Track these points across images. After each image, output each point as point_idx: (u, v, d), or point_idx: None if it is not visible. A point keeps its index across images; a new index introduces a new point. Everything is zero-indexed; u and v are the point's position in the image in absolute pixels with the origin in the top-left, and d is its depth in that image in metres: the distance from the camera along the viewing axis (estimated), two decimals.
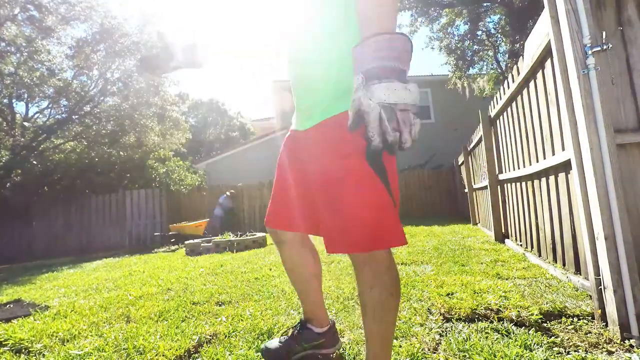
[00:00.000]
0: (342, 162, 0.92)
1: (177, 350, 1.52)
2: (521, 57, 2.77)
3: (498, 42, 12.42)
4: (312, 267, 1.35)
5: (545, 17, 1.75)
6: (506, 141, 3.56)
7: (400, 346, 1.40)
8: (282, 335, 1.47)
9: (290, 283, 1.43)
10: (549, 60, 2.20)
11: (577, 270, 2.12)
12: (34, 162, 9.66)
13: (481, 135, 4.38)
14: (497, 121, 3.85)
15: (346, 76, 0.87)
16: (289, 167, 1.20)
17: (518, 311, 1.65)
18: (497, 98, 3.68)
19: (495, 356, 1.26)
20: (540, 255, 2.80)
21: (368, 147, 0.69)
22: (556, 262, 2.46)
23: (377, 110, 0.66)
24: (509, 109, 3.34)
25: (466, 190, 6.67)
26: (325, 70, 0.96)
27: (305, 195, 1.11)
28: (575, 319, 1.56)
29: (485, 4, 11.74)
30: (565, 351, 1.30)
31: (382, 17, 0.76)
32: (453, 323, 1.62)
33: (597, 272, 1.49)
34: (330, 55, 0.95)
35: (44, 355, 1.60)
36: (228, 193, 9.85)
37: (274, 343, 1.41)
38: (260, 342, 1.54)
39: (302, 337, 1.36)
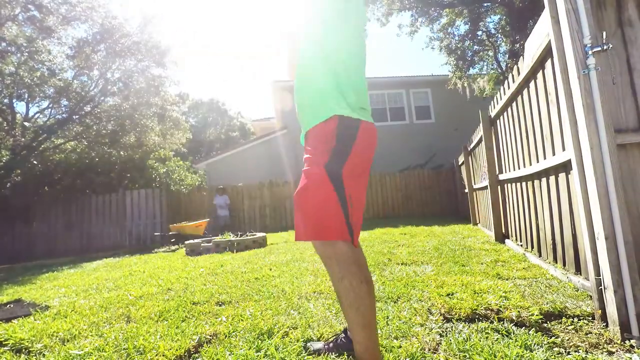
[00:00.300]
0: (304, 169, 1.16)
1: (177, 350, 1.52)
2: (521, 57, 2.77)
3: (498, 42, 12.42)
4: None
5: (545, 17, 1.75)
6: (506, 141, 3.56)
7: (400, 346, 1.40)
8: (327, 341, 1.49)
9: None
10: (549, 61, 2.20)
11: (578, 271, 2.12)
12: (35, 162, 9.67)
13: (481, 135, 4.38)
14: (498, 121, 3.85)
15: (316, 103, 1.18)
16: None
17: (518, 311, 1.65)
18: (497, 98, 3.67)
19: (495, 356, 1.25)
20: (540, 256, 2.80)
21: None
22: (556, 262, 2.46)
23: None
24: (509, 109, 3.34)
25: (466, 190, 6.67)
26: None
27: None
28: (576, 319, 1.56)
29: (485, 4, 11.73)
30: (565, 351, 1.30)
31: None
32: (453, 323, 1.62)
33: (598, 272, 1.49)
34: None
35: (44, 355, 1.60)
36: (219, 191, 9.92)
37: (318, 345, 1.45)
38: (260, 342, 1.54)
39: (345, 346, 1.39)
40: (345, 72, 1.17)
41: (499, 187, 4.02)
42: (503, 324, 1.55)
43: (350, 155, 1.12)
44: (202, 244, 5.64)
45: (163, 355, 1.48)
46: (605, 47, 1.44)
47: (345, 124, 1.12)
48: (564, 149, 2.11)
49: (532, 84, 2.60)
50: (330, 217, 1.09)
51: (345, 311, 1.10)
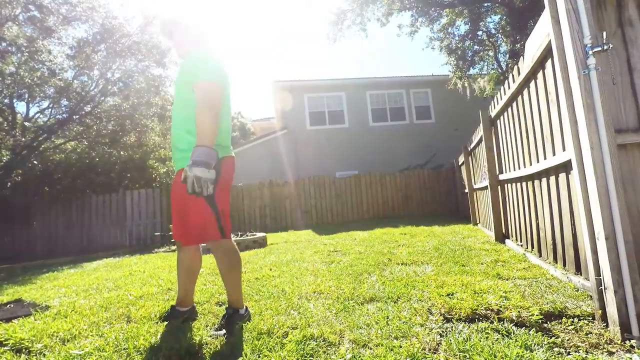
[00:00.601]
0: (183, 192, 1.68)
1: (177, 350, 1.52)
2: (521, 57, 2.77)
3: (498, 42, 12.41)
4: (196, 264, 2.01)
5: (545, 17, 1.75)
6: (507, 141, 3.56)
7: (401, 346, 1.40)
8: None
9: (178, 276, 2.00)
10: (549, 61, 2.20)
11: (578, 271, 2.12)
12: (35, 162, 9.66)
13: (482, 136, 4.38)
14: (498, 121, 3.85)
15: (180, 141, 1.78)
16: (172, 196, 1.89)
17: (518, 311, 1.65)
18: (497, 98, 3.67)
19: (495, 356, 1.25)
20: (540, 256, 2.80)
21: (187, 190, 1.55)
22: (556, 262, 2.46)
23: (191, 179, 1.51)
24: (509, 109, 3.34)
25: (466, 190, 6.67)
26: (176, 133, 1.82)
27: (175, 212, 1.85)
28: (576, 320, 1.56)
29: (485, 4, 11.73)
30: (565, 352, 1.30)
31: (205, 137, 1.60)
32: (453, 323, 1.62)
33: (598, 272, 1.49)
34: (180, 125, 1.80)
35: (44, 355, 1.61)
36: None
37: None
38: (260, 342, 1.54)
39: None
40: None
41: (499, 187, 4.02)
42: (503, 324, 1.55)
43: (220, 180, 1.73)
44: (202, 244, 5.64)
45: (163, 356, 1.48)
46: (605, 47, 1.44)
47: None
48: (564, 149, 2.11)
49: (532, 84, 2.60)
50: (209, 223, 1.72)
51: (224, 279, 1.82)
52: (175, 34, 1.90)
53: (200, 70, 1.69)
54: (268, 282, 2.76)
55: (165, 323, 1.89)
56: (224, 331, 1.70)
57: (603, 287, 1.46)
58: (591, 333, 1.44)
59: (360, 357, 1.36)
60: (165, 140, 11.73)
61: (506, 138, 3.56)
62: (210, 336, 1.67)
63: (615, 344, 1.33)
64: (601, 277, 1.47)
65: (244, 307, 1.86)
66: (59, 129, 10.50)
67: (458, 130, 12.44)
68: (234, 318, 1.76)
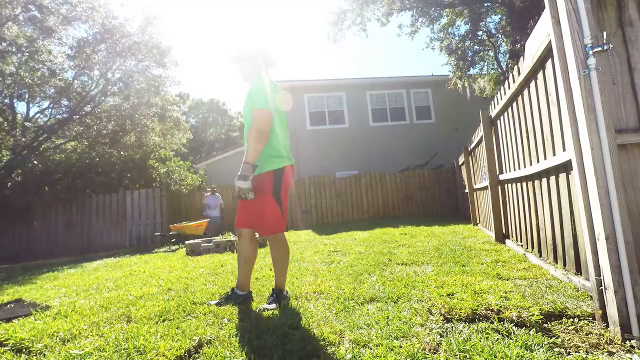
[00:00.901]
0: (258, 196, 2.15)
1: (177, 350, 1.52)
2: (522, 57, 2.77)
3: (499, 42, 12.42)
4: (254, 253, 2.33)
5: (546, 17, 1.75)
6: (507, 141, 3.56)
7: (401, 346, 1.40)
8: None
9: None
10: (549, 61, 2.20)
11: (578, 271, 2.12)
12: (35, 162, 9.66)
13: (482, 136, 4.38)
14: (498, 121, 3.85)
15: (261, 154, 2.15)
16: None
17: (519, 312, 1.65)
18: (497, 98, 3.67)
19: (495, 357, 1.25)
20: (540, 256, 2.80)
21: (238, 194, 2.09)
22: (557, 262, 2.46)
23: (237, 187, 2.06)
24: (509, 109, 3.34)
25: (466, 190, 6.67)
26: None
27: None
28: (576, 320, 1.56)
29: (486, 4, 11.74)
30: (566, 352, 1.30)
31: (249, 155, 2.06)
32: (454, 323, 1.62)
33: (598, 272, 1.49)
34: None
35: (44, 355, 1.61)
36: (209, 192, 9.60)
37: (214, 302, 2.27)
38: (260, 342, 1.54)
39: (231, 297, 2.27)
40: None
41: (499, 187, 4.02)
42: (503, 324, 1.55)
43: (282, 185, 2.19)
44: (203, 244, 5.64)
45: (163, 356, 1.48)
46: (605, 47, 1.44)
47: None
48: (564, 149, 2.11)
49: (532, 84, 2.59)
50: (278, 221, 2.17)
51: (276, 265, 2.24)
52: (243, 63, 2.26)
53: (256, 98, 2.08)
54: (268, 282, 2.76)
55: (166, 323, 1.89)
56: (275, 304, 2.06)
57: (603, 288, 1.46)
58: (591, 333, 1.44)
59: (360, 357, 1.36)
60: (165, 140, 11.72)
61: (506, 138, 3.56)
62: (263, 309, 2.00)
63: (615, 344, 1.33)
64: (601, 278, 1.47)
65: (286, 290, 2.26)
66: (59, 129, 10.51)
67: (458, 130, 12.43)
68: (281, 296, 2.16)
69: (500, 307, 1.73)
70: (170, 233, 8.15)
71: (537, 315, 1.60)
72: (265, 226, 2.14)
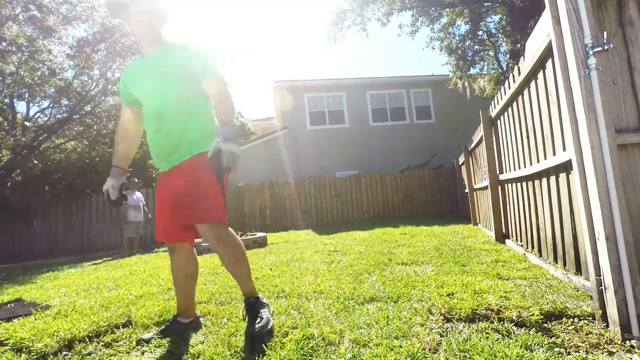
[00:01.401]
0: (198, 177, 1.70)
1: (177, 349, 1.52)
2: (522, 57, 2.77)
3: (499, 42, 12.41)
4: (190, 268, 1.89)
5: (546, 17, 1.75)
6: (507, 141, 3.56)
7: (401, 346, 1.40)
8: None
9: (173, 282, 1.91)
10: (549, 60, 2.20)
11: (578, 271, 2.12)
12: (35, 162, 9.66)
13: (482, 135, 4.37)
14: (498, 121, 3.85)
15: (192, 132, 1.75)
16: (162, 195, 1.83)
17: (519, 311, 1.65)
18: (497, 98, 3.67)
19: (495, 356, 1.25)
20: (540, 256, 2.80)
21: (218, 167, 1.55)
22: (557, 262, 2.46)
23: (227, 152, 1.53)
24: (509, 109, 3.34)
25: (466, 190, 6.67)
26: (185, 126, 1.75)
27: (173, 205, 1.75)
28: (576, 320, 1.56)
29: (486, 4, 11.73)
30: (565, 352, 1.30)
31: (231, 117, 1.68)
32: (453, 323, 1.62)
33: (598, 272, 1.49)
34: (189, 117, 1.76)
35: (44, 354, 1.61)
36: (132, 186, 7.34)
37: (147, 335, 1.75)
38: (259, 342, 1.54)
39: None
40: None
41: (499, 187, 4.02)
42: (503, 324, 1.55)
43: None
44: (203, 244, 5.64)
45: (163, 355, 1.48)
46: (606, 47, 1.44)
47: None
48: (564, 149, 2.11)
49: (532, 84, 2.59)
50: (219, 204, 1.71)
51: (237, 269, 1.78)
52: (155, 17, 1.71)
53: (207, 65, 1.70)
54: (268, 282, 2.76)
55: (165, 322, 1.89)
56: (265, 318, 1.67)
57: (603, 287, 1.46)
58: (591, 333, 1.44)
59: (360, 356, 1.36)
60: None
61: (506, 138, 3.56)
62: (255, 332, 1.58)
63: (615, 344, 1.33)
64: (601, 277, 1.47)
65: (260, 295, 1.85)
66: (59, 128, 10.50)
67: (458, 130, 12.44)
68: (257, 305, 1.75)
69: (500, 307, 1.73)
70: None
71: (537, 315, 1.60)
72: (209, 212, 1.67)
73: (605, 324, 1.47)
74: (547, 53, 2.19)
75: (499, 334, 1.47)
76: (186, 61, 1.70)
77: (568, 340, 1.39)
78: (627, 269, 1.36)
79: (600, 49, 1.44)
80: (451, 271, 2.63)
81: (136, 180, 7.64)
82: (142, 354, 1.55)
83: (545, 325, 1.55)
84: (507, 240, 3.79)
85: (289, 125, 12.93)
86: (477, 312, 1.69)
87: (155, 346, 1.62)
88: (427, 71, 43.67)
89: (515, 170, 3.33)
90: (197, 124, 1.76)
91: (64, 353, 1.62)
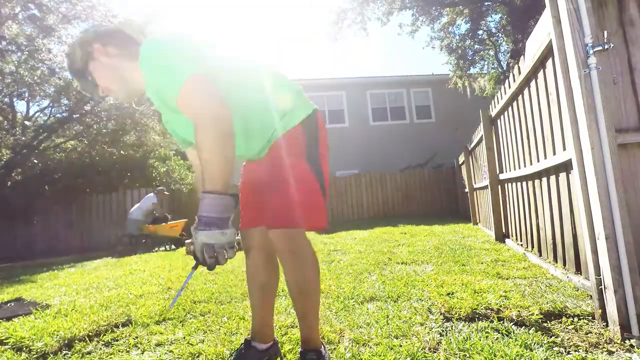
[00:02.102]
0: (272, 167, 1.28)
1: (177, 349, 1.52)
2: (522, 56, 2.77)
3: (499, 41, 12.40)
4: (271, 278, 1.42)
5: (546, 16, 1.75)
6: (507, 141, 3.56)
7: (401, 345, 1.40)
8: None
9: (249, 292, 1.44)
10: (550, 60, 2.20)
11: (578, 270, 2.12)
12: (35, 161, 9.66)
13: (482, 135, 4.37)
14: (498, 121, 3.85)
15: (261, 130, 1.28)
16: (247, 182, 1.47)
17: (518, 311, 1.65)
18: (498, 98, 3.67)
19: (495, 356, 1.26)
20: (540, 255, 2.80)
21: (195, 264, 0.99)
22: (557, 261, 2.46)
23: (200, 246, 0.95)
24: (509, 109, 3.34)
25: (466, 189, 6.67)
26: (248, 132, 1.27)
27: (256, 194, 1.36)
28: (576, 319, 1.56)
29: (486, 3, 11.72)
30: (565, 351, 1.30)
31: (215, 180, 0.98)
32: (453, 322, 1.62)
33: (598, 271, 1.49)
34: (245, 121, 1.24)
35: (45, 353, 1.61)
36: (157, 191, 7.90)
37: None
38: None
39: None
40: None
41: (499, 186, 4.02)
42: (503, 323, 1.55)
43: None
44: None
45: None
46: (606, 47, 1.44)
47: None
48: (564, 149, 2.11)
49: (532, 84, 2.59)
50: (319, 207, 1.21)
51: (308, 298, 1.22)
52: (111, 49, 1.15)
53: (168, 76, 1.02)
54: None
55: (166, 322, 1.89)
56: None
57: (603, 287, 1.46)
58: (591, 332, 1.44)
59: (360, 355, 1.36)
60: (166, 139, 11.71)
61: (506, 137, 3.56)
62: None
63: (615, 343, 1.33)
64: (601, 277, 1.47)
65: (324, 348, 1.29)
66: (59, 128, 10.50)
67: (458, 129, 12.43)
68: None
69: (500, 306, 1.73)
70: (143, 233, 7.56)
71: (536, 315, 1.60)
72: (303, 215, 1.16)
73: (604, 324, 1.48)
74: (548, 52, 2.19)
75: (499, 333, 1.47)
76: (157, 90, 1.11)
77: (568, 339, 1.39)
78: (627, 268, 1.36)
79: (600, 48, 1.44)
80: (451, 270, 2.64)
81: (165, 192, 8.17)
82: (142, 352, 1.56)
83: (545, 324, 1.55)
84: (507, 240, 3.79)
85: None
86: (477, 311, 1.69)
87: (155, 345, 1.62)
88: (427, 70, 43.59)
89: (515, 169, 3.33)
90: (257, 117, 1.26)
91: (64, 352, 1.62)
